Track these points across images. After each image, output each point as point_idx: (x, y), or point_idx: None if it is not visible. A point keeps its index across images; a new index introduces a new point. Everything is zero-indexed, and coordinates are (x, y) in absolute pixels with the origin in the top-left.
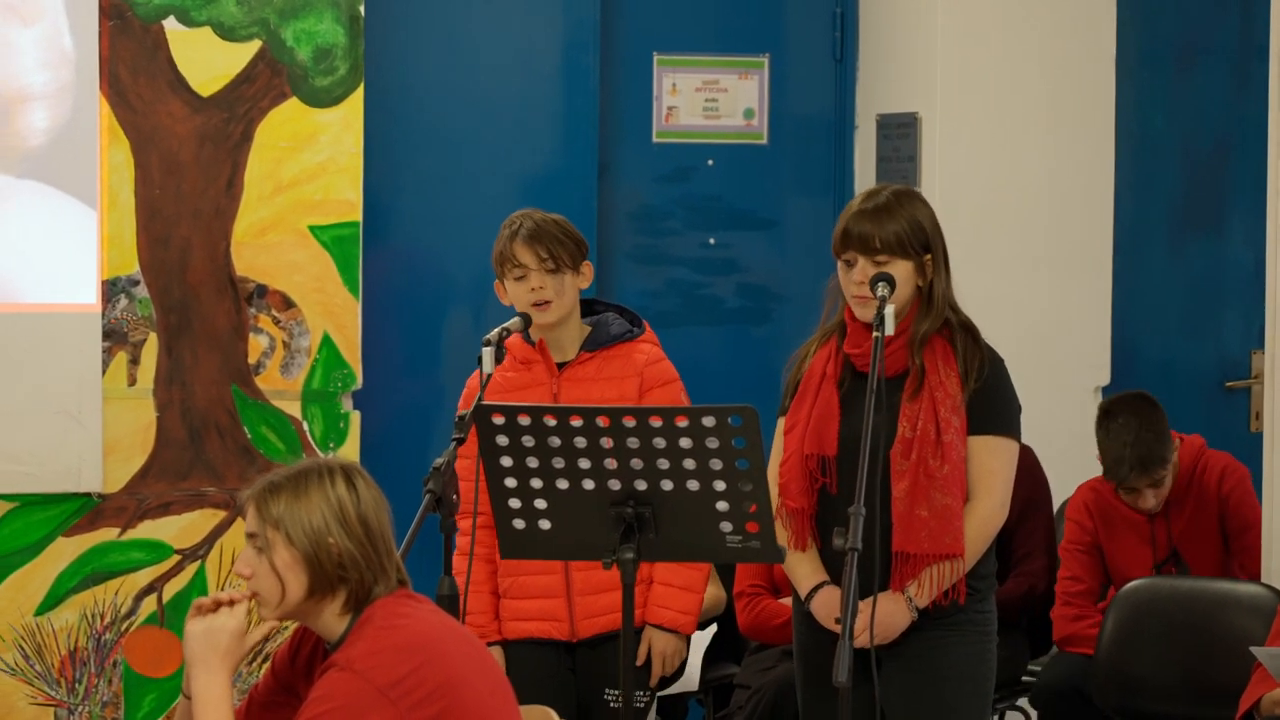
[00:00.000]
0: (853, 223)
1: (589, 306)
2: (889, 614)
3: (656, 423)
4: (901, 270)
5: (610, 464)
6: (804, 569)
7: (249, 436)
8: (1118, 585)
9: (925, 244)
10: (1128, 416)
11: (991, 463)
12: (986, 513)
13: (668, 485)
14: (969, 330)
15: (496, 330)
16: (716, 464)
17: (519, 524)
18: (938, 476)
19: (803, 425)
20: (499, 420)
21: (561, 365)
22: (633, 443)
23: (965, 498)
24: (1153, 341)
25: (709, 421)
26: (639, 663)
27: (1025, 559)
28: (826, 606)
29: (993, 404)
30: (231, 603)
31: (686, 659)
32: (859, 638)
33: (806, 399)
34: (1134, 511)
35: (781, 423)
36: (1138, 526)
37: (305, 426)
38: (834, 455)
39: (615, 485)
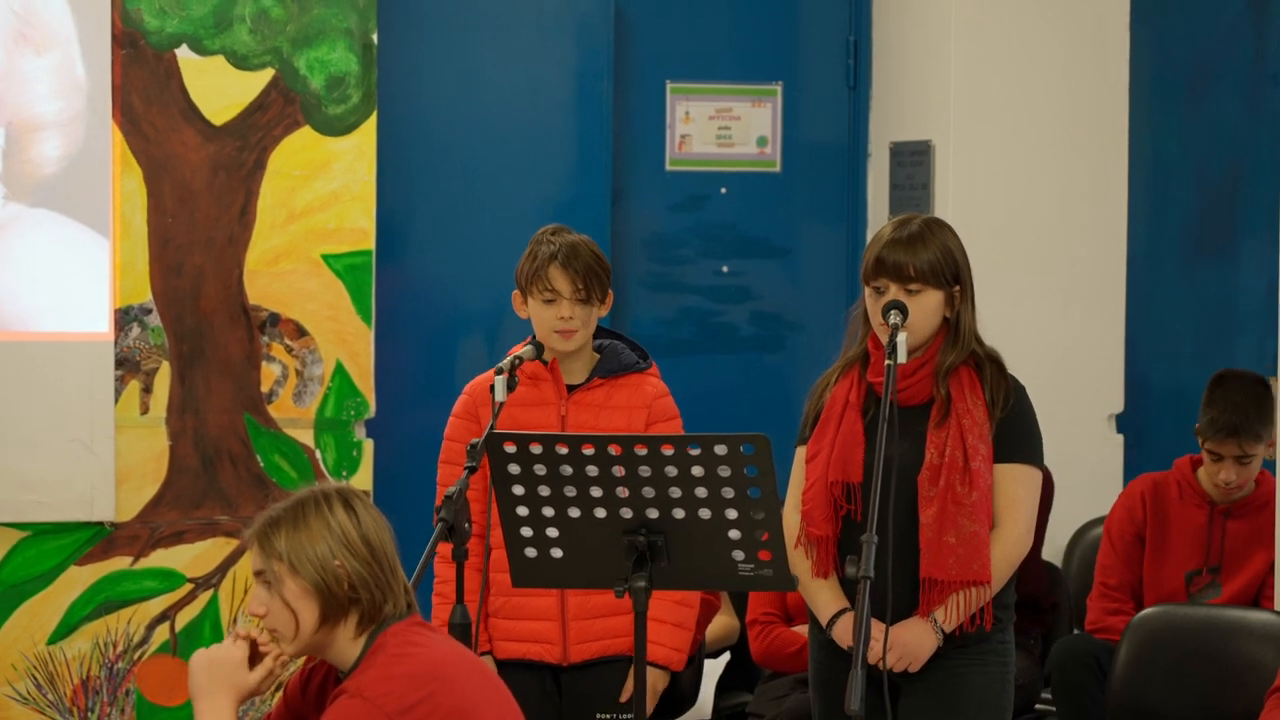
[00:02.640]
0: (887, 251)
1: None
2: (915, 639)
3: (668, 451)
4: (931, 300)
5: (622, 492)
6: (824, 596)
7: (262, 465)
8: (1148, 582)
9: (956, 274)
10: (1239, 383)
11: (1017, 491)
12: (1012, 540)
13: (680, 513)
14: (995, 361)
15: (509, 358)
16: (729, 492)
17: (531, 552)
18: (965, 503)
19: (826, 453)
20: (511, 449)
21: (570, 388)
22: (645, 471)
23: (991, 525)
24: (1166, 368)
25: (721, 450)
26: (623, 698)
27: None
28: (848, 634)
29: (1018, 433)
30: (235, 638)
31: (701, 685)
32: (880, 664)
33: (830, 427)
34: (1199, 509)
35: (801, 452)
36: (1194, 527)
37: (318, 455)
38: (859, 482)
39: (627, 513)
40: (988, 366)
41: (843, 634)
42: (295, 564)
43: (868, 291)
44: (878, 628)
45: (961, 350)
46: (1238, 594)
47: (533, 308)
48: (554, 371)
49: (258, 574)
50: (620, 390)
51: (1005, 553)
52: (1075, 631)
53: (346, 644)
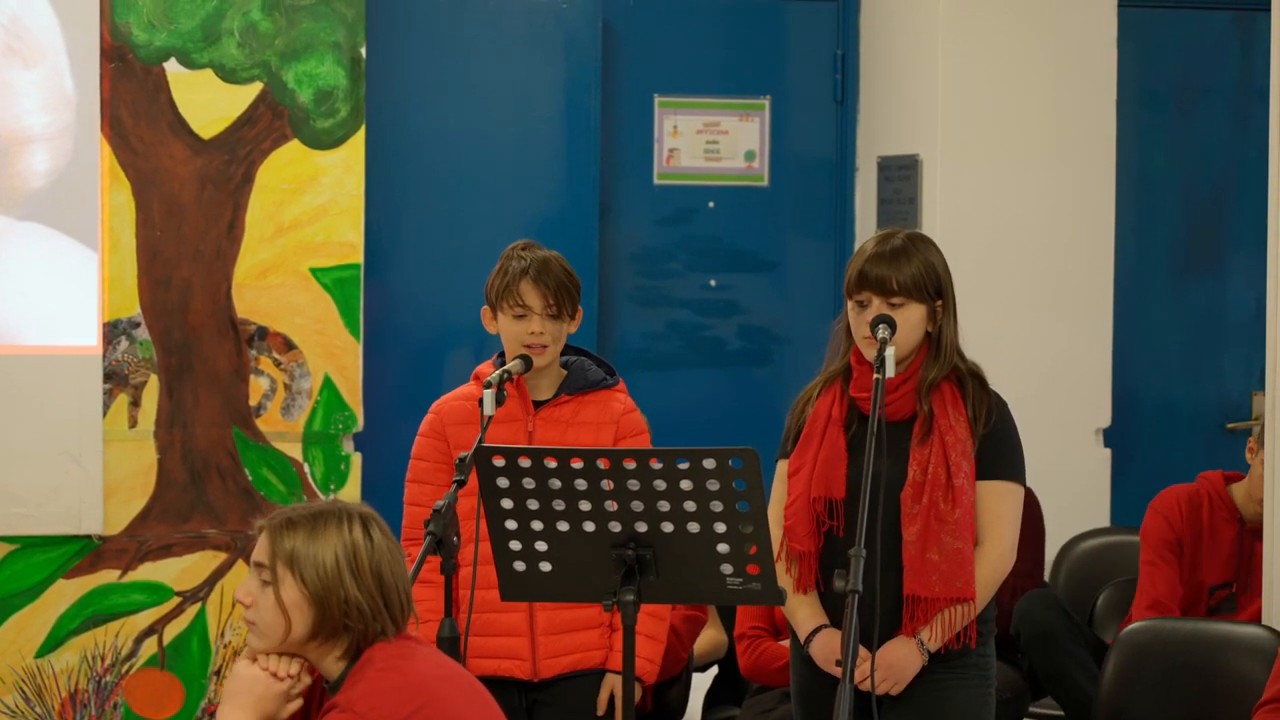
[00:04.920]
0: (869, 265)
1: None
2: (901, 659)
3: (657, 465)
4: (914, 314)
5: (611, 506)
6: (804, 612)
7: (250, 478)
8: (1184, 589)
9: (938, 289)
10: None
11: (1000, 507)
12: (996, 557)
13: (668, 527)
14: (976, 377)
15: (498, 373)
16: (717, 506)
17: (519, 566)
18: (949, 520)
19: (809, 468)
20: (500, 462)
21: (537, 404)
22: (633, 485)
23: (974, 542)
24: (1153, 383)
25: (710, 463)
26: (601, 710)
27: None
28: (825, 649)
29: (1001, 450)
30: (278, 677)
31: (688, 699)
32: (865, 682)
33: (812, 442)
34: (1229, 524)
35: (783, 466)
36: (1224, 542)
37: (306, 468)
38: (842, 498)
39: (616, 527)
40: (969, 382)
41: (819, 650)
42: (303, 573)
43: (850, 306)
44: (864, 649)
45: (944, 365)
46: (1254, 615)
47: (503, 323)
48: (520, 388)
49: (257, 566)
50: (587, 406)
51: (990, 569)
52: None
53: (331, 662)
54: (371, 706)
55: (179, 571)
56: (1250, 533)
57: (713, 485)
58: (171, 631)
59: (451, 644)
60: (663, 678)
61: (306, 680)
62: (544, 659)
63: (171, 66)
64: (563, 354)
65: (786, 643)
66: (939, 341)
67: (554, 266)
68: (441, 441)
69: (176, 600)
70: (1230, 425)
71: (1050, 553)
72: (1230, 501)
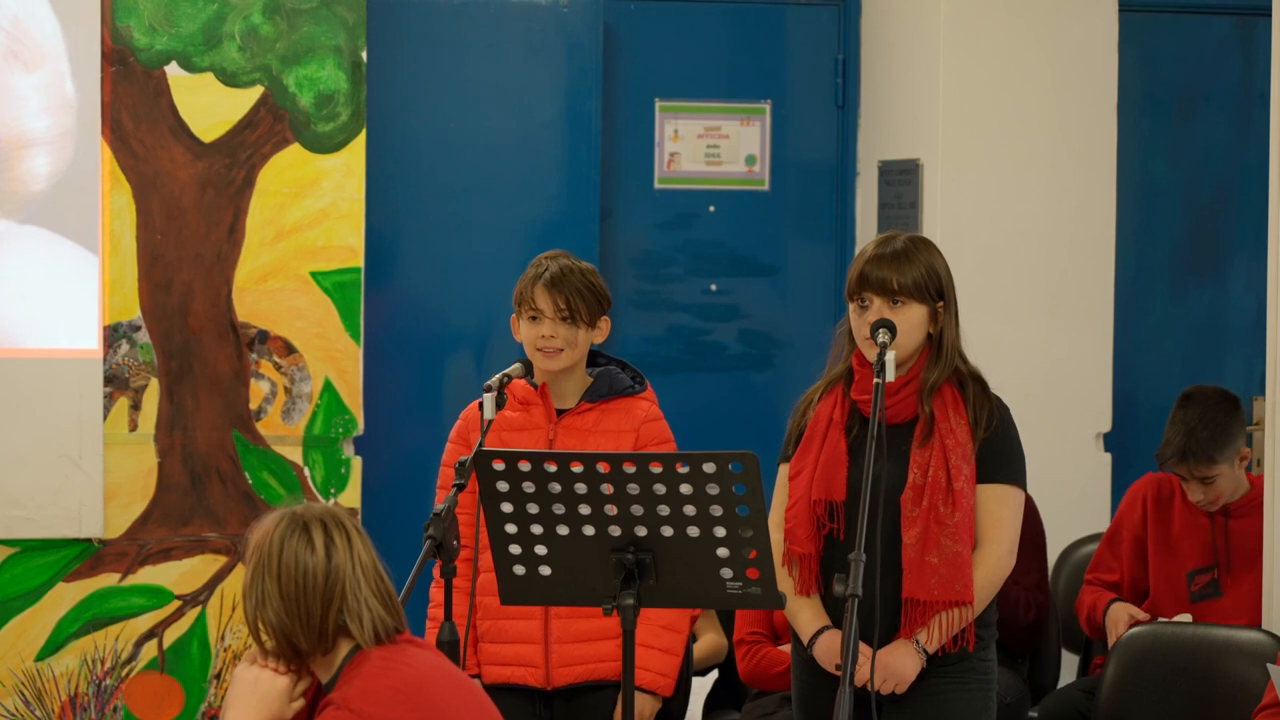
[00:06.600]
0: (870, 267)
1: (592, 357)
2: (899, 660)
3: (657, 469)
4: (915, 315)
5: (611, 510)
6: (806, 614)
7: (250, 482)
8: (1154, 582)
9: (939, 291)
10: (1198, 405)
11: (1000, 511)
12: (995, 561)
13: (668, 531)
14: (978, 380)
15: (498, 376)
16: (717, 510)
17: (519, 570)
18: (948, 524)
19: (810, 471)
20: (499, 466)
21: (560, 412)
22: (633, 489)
23: (974, 545)
24: (1154, 387)
25: (709, 468)
26: None
27: (1014, 588)
28: (829, 652)
29: (1002, 453)
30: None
31: (688, 703)
32: (867, 684)
33: (813, 445)
34: (1200, 510)
35: (784, 469)
36: (1197, 527)
37: (307, 472)
38: (843, 501)
39: (616, 531)
40: (970, 385)
41: (822, 653)
42: (263, 619)
43: (852, 308)
44: (864, 650)
45: (945, 367)
46: (1244, 596)
47: (521, 327)
48: (544, 395)
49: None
50: (611, 414)
51: (988, 573)
52: (1062, 649)
53: (320, 667)
54: (367, 704)
55: (179, 575)
56: (1221, 514)
57: (712, 489)
58: (171, 635)
59: (451, 647)
60: None
61: (307, 681)
62: (557, 667)
63: (172, 70)
64: (595, 363)
65: (786, 647)
66: (940, 343)
67: (572, 275)
68: (466, 447)
69: (176, 604)
70: None
71: (1050, 558)
72: None
